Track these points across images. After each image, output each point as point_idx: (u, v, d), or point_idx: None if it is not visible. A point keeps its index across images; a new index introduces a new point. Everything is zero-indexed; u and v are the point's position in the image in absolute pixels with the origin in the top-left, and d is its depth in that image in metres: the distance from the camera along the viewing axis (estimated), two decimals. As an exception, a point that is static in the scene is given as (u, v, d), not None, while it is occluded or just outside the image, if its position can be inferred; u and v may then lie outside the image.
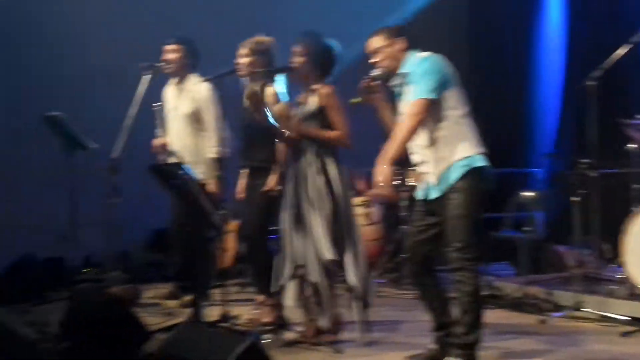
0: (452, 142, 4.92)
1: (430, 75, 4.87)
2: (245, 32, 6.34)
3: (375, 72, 5.07)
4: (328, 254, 5.41)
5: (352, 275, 5.44)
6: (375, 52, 5.08)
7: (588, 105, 6.84)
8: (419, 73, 4.91)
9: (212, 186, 6.61)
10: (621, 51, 6.84)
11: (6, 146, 8.27)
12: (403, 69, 5.03)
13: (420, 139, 4.98)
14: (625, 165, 7.07)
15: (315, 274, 5.50)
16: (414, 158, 5.10)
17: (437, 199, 4.98)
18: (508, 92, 10.16)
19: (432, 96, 4.85)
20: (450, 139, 4.93)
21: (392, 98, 5.16)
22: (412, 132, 4.87)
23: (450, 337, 5.03)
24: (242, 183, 6.40)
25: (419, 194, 5.13)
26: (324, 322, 5.57)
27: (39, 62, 8.41)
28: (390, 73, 5.07)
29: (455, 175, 4.90)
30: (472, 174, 4.91)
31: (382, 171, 4.78)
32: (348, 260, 5.45)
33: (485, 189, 4.98)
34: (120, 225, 6.77)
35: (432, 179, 5.00)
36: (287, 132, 5.59)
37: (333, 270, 5.49)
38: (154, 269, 8.65)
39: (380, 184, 4.76)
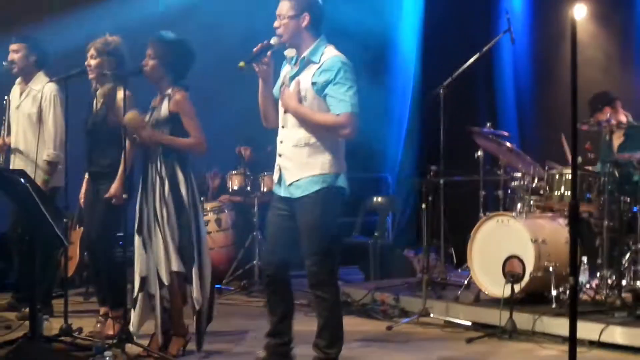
0: (322, 153, 4.83)
1: (355, 86, 4.81)
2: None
3: (272, 40, 4.89)
4: (174, 265, 5.28)
5: (194, 288, 5.31)
6: (279, 17, 4.89)
7: (438, 112, 6.94)
8: (342, 79, 4.78)
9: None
10: (471, 61, 6.97)
11: None
12: (310, 55, 4.86)
13: (294, 136, 4.88)
14: (474, 173, 7.21)
15: (154, 286, 5.37)
16: (278, 149, 4.99)
17: (292, 201, 4.90)
18: (360, 96, 10.22)
19: (357, 110, 4.80)
20: (321, 149, 4.83)
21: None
22: (325, 130, 4.80)
23: (281, 347, 4.99)
24: (83, 189, 6.20)
25: (278, 189, 5.02)
26: (159, 336, 5.42)
27: None
28: (287, 45, 4.91)
29: (313, 186, 4.83)
30: (331, 190, 4.84)
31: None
32: (193, 271, 5.32)
33: (340, 205, 4.94)
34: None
35: (287, 178, 4.91)
36: (138, 139, 5.41)
37: (176, 282, 5.35)
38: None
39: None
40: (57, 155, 6.53)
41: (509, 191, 6.81)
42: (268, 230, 5.11)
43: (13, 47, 6.82)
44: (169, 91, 5.46)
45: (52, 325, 5.86)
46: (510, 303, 5.98)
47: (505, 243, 6.42)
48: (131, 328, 5.36)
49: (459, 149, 7.24)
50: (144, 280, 5.40)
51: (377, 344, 5.94)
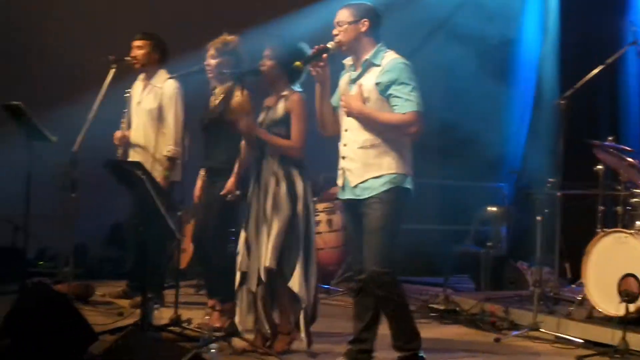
0: (388, 154, 4.85)
1: (417, 85, 4.83)
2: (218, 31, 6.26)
3: (330, 44, 4.94)
4: (267, 262, 5.30)
5: (297, 286, 5.33)
6: (338, 24, 4.96)
7: (558, 124, 6.79)
8: (407, 79, 4.82)
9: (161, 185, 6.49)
10: (594, 72, 6.80)
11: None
12: (373, 58, 4.91)
13: (359, 138, 4.89)
14: (592, 187, 7.03)
15: (252, 283, 5.41)
16: (342, 152, 5.00)
17: (359, 202, 4.90)
18: (479, 106, 10.12)
19: (422, 109, 4.81)
20: (388, 150, 4.85)
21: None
22: (390, 130, 4.82)
23: (362, 355, 5.02)
24: (199, 184, 6.31)
25: (342, 194, 5.05)
26: (265, 331, 5.49)
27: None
28: (345, 50, 4.96)
29: (381, 186, 4.83)
30: (398, 191, 4.85)
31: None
32: (297, 270, 5.34)
33: (405, 208, 4.94)
34: (77, 218, 6.62)
35: (352, 180, 4.92)
36: (239, 124, 5.46)
37: (273, 280, 5.39)
38: (109, 265, 8.54)
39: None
40: (177, 151, 6.68)
41: (629, 208, 6.61)
42: (347, 237, 5.13)
43: (137, 43, 7.01)
44: (285, 92, 5.51)
45: (163, 315, 5.97)
46: (625, 322, 5.80)
47: (622, 261, 6.22)
48: (237, 323, 5.44)
49: (579, 161, 7.07)
50: (244, 276, 5.47)
51: (484, 355, 5.85)
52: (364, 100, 4.88)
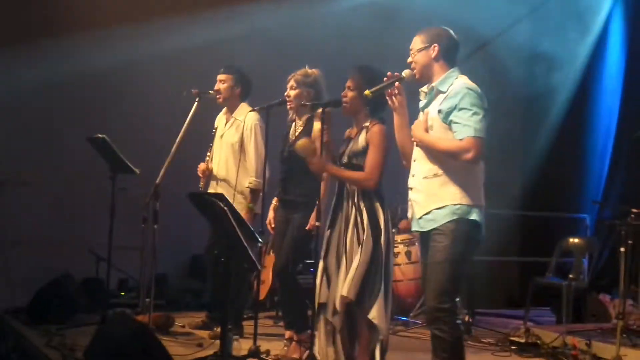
0: (453, 184, 4.71)
1: (482, 111, 4.67)
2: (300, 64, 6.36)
3: (404, 72, 4.89)
4: (345, 292, 5.27)
5: (377, 317, 5.29)
6: (412, 51, 4.90)
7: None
8: (467, 104, 4.66)
9: (244, 216, 6.55)
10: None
11: (53, 164, 8.35)
12: (439, 84, 4.82)
13: (424, 168, 4.81)
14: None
15: (329, 312, 5.41)
16: (410, 183, 4.92)
17: (425, 235, 4.81)
18: (562, 134, 10.02)
19: (484, 135, 4.65)
20: (452, 180, 4.72)
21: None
22: (449, 156, 4.70)
23: None
24: (271, 215, 6.39)
25: (414, 225, 4.95)
26: None
27: (84, 82, 8.50)
28: (419, 79, 4.89)
29: (444, 217, 4.70)
30: (463, 222, 4.69)
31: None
32: (378, 302, 5.32)
33: (473, 241, 4.75)
34: (159, 249, 6.72)
35: (417, 211, 4.83)
36: (310, 165, 5.51)
37: (351, 311, 5.38)
38: (189, 295, 8.63)
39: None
40: (259, 183, 6.74)
41: None
42: (422, 270, 5.01)
43: (221, 77, 7.11)
44: (367, 124, 5.50)
45: (242, 346, 6.01)
46: None
47: None
48: (316, 353, 5.44)
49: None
50: (321, 307, 5.47)
51: (565, 389, 5.76)
52: (428, 128, 4.78)
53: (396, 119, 5.03)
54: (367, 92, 4.94)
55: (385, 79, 4.91)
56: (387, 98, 4.94)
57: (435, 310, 4.67)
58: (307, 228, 5.90)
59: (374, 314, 5.27)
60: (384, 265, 5.35)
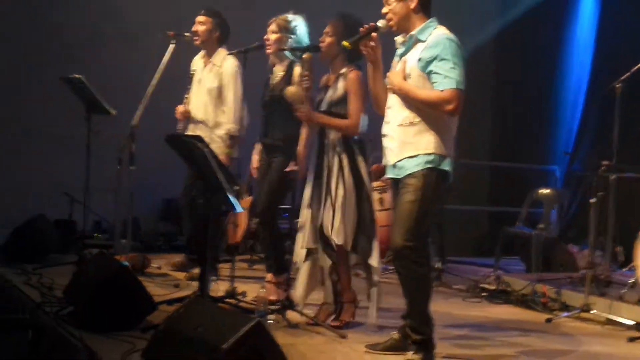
0: (428, 133, 4.72)
1: (461, 62, 4.67)
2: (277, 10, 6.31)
3: (379, 22, 4.85)
4: (337, 239, 5.36)
5: (376, 261, 5.39)
6: (387, 2, 4.84)
7: (613, 107, 6.75)
8: (449, 55, 4.65)
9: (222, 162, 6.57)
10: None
11: (26, 106, 8.29)
12: (418, 33, 4.78)
13: (399, 116, 4.80)
14: (645, 170, 7.01)
15: (323, 259, 5.49)
16: (383, 130, 4.92)
17: (398, 182, 4.83)
18: (532, 87, 10.09)
19: (464, 87, 4.65)
20: (427, 129, 4.72)
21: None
22: (428, 106, 4.68)
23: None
24: (254, 158, 6.40)
25: (388, 172, 4.95)
26: (330, 306, 5.58)
27: (59, 23, 8.42)
28: (395, 29, 4.86)
29: (417, 165, 4.72)
30: (435, 171, 4.73)
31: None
32: (375, 246, 5.40)
33: (440, 189, 4.80)
34: (133, 192, 6.70)
35: (391, 158, 4.85)
36: (297, 113, 5.54)
37: (343, 256, 5.46)
38: (164, 238, 8.66)
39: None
40: (238, 129, 6.73)
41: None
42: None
43: (200, 19, 7.03)
44: (344, 70, 5.51)
45: (219, 287, 6.06)
46: (677, 305, 5.81)
47: (675, 245, 6.22)
48: (296, 297, 5.51)
49: (633, 145, 7.04)
50: (310, 252, 5.53)
51: (535, 334, 5.86)
52: (406, 76, 4.76)
53: (370, 69, 5.01)
54: (345, 42, 4.90)
55: (361, 29, 4.86)
56: (362, 48, 4.90)
57: (401, 247, 4.68)
58: (286, 170, 5.92)
59: (373, 258, 5.38)
60: (369, 211, 5.45)
